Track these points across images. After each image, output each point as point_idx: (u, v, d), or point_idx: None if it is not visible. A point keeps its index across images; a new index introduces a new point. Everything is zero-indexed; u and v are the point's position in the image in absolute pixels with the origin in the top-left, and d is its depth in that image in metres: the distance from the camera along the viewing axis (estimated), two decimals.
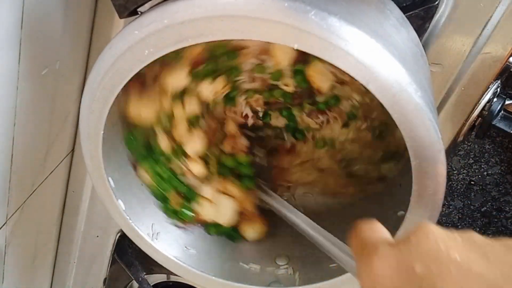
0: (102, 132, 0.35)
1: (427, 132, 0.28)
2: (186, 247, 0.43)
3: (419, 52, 0.36)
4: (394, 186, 0.42)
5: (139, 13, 0.32)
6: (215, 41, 0.28)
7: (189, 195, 0.43)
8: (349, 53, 0.27)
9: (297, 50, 0.27)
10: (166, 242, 0.42)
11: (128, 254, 0.64)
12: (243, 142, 0.44)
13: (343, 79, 0.39)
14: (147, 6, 0.30)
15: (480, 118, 0.46)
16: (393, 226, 0.33)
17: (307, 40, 0.27)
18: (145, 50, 0.29)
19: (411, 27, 0.38)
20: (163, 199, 0.43)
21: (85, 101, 0.34)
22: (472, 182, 0.57)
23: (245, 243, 0.45)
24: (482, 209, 0.59)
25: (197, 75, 0.38)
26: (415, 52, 0.34)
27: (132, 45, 0.29)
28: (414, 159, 0.29)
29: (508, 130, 0.46)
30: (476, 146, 0.55)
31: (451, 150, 0.50)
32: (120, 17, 0.32)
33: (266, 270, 0.42)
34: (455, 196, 0.58)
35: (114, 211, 0.40)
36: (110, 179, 0.38)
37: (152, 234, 0.41)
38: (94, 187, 0.39)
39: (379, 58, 0.27)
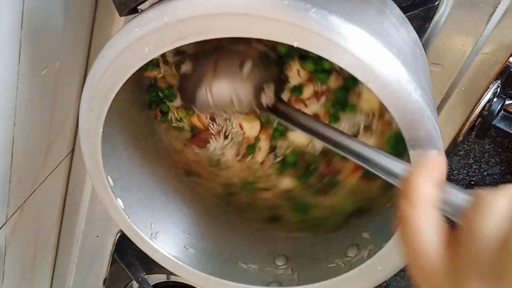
0: (102, 130, 0.35)
1: (426, 130, 0.28)
2: (185, 246, 0.43)
3: (419, 51, 0.36)
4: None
5: (139, 11, 0.32)
6: None
7: None
8: (349, 51, 0.27)
9: None
10: (165, 241, 0.42)
11: (128, 254, 0.64)
12: None
13: None
14: (147, 4, 0.31)
15: (480, 118, 0.46)
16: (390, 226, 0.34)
17: (307, 38, 0.27)
18: (145, 47, 0.29)
19: (411, 27, 0.38)
20: None
21: (85, 99, 0.34)
22: (472, 182, 0.57)
23: (244, 242, 0.45)
24: None
25: None
26: (415, 51, 0.34)
27: (132, 42, 0.29)
28: (414, 158, 0.29)
29: (508, 130, 0.46)
30: (476, 146, 0.55)
31: (451, 150, 0.50)
32: (120, 15, 0.32)
33: (265, 270, 0.42)
34: None
35: (113, 210, 0.40)
36: (109, 177, 0.38)
37: (151, 234, 0.41)
38: (93, 186, 0.39)
39: (379, 56, 0.27)
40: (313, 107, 0.44)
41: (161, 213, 0.44)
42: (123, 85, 0.32)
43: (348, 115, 0.43)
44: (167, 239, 0.42)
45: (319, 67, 0.42)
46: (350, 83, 0.42)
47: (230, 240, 0.45)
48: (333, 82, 0.42)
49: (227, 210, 0.48)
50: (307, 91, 0.43)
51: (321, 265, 0.40)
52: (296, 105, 0.43)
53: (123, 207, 0.39)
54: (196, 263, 0.41)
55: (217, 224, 0.46)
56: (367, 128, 0.42)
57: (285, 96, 0.44)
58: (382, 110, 0.41)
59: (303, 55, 0.42)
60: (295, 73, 0.43)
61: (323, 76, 0.42)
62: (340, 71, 0.42)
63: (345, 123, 0.43)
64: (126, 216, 0.40)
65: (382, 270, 0.35)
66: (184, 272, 0.41)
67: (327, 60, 0.28)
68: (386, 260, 0.34)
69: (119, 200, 0.39)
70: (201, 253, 0.43)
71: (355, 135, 0.43)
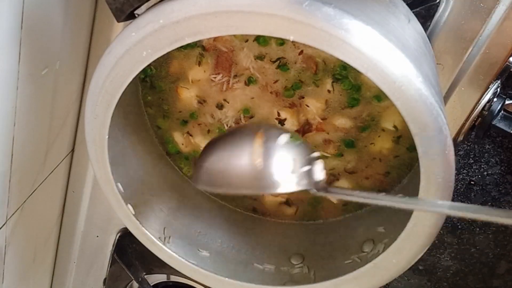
0: (107, 137, 0.35)
1: (431, 117, 0.28)
2: (199, 249, 0.43)
3: (421, 40, 0.36)
4: (399, 182, 0.42)
5: (136, 15, 0.32)
6: None
7: None
8: (345, 42, 0.27)
9: None
10: (178, 245, 0.42)
11: (128, 254, 0.64)
12: None
13: None
14: (143, 8, 0.31)
15: (480, 118, 0.46)
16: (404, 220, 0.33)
17: (302, 31, 0.27)
18: (143, 51, 0.30)
19: (413, 15, 0.37)
20: None
21: (88, 107, 0.34)
22: (472, 182, 0.57)
23: (259, 242, 0.45)
24: None
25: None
26: (416, 38, 0.34)
27: (130, 47, 0.30)
28: (420, 146, 0.29)
29: (508, 130, 0.46)
30: (476, 146, 0.55)
31: None
32: (118, 21, 0.33)
33: (281, 270, 0.42)
34: (455, 196, 0.58)
35: (124, 216, 0.40)
36: (119, 184, 0.38)
37: (164, 238, 0.41)
38: (103, 192, 0.39)
39: (376, 45, 0.27)
40: None
41: (174, 217, 0.43)
42: (127, 91, 0.32)
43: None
44: (180, 243, 0.42)
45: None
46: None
47: (245, 241, 0.45)
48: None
49: (240, 211, 0.48)
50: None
51: (337, 262, 0.40)
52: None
53: (133, 213, 0.39)
54: (211, 266, 0.41)
55: (230, 226, 0.46)
56: None
57: None
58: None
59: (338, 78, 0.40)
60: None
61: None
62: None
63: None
64: (138, 221, 0.40)
65: (397, 263, 0.35)
66: (199, 275, 0.41)
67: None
68: (400, 252, 0.34)
69: (129, 206, 0.39)
70: (216, 255, 0.43)
71: None
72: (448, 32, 0.43)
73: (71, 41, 0.46)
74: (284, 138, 0.33)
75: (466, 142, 0.55)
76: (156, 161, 0.45)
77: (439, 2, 0.42)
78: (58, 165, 0.55)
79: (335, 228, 0.45)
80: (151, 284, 0.67)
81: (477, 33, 0.42)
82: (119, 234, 0.63)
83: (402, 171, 0.42)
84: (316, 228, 0.46)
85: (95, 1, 0.47)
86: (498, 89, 0.45)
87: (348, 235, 0.43)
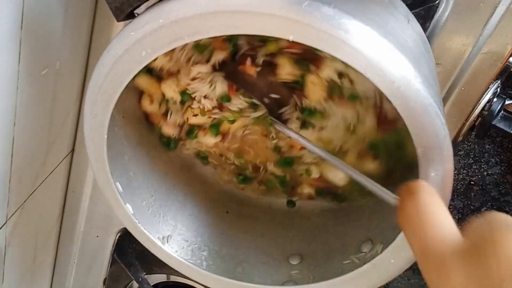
0: (106, 136, 0.35)
1: (429, 117, 0.28)
2: (198, 249, 0.43)
3: (420, 40, 0.36)
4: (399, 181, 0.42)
5: (136, 15, 0.32)
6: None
7: None
8: (344, 42, 0.27)
9: None
10: (178, 245, 0.42)
11: (128, 254, 0.64)
12: None
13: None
14: (143, 7, 0.31)
15: (480, 118, 0.46)
16: None
17: (302, 31, 0.27)
18: (142, 51, 0.30)
19: (412, 16, 0.38)
20: None
21: (87, 106, 0.34)
22: (472, 182, 0.57)
23: (258, 243, 0.45)
24: (482, 209, 0.59)
25: None
26: (415, 38, 0.34)
27: (129, 47, 0.30)
28: (418, 146, 0.29)
29: (508, 130, 0.46)
30: (476, 146, 0.55)
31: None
32: (117, 20, 0.33)
33: (279, 270, 0.42)
34: (455, 196, 0.58)
35: (122, 215, 0.39)
36: (117, 184, 0.38)
37: (163, 238, 0.41)
38: (102, 191, 0.39)
39: (375, 45, 0.27)
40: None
41: (173, 217, 0.43)
42: (126, 91, 0.32)
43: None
44: (179, 242, 0.42)
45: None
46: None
47: (244, 241, 0.45)
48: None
49: (240, 211, 0.48)
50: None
51: (336, 262, 0.40)
52: None
53: (132, 213, 0.39)
54: (210, 266, 0.41)
55: (229, 226, 0.46)
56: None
57: None
58: None
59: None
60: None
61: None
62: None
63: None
64: (136, 221, 0.40)
65: (395, 263, 0.35)
66: (198, 275, 0.41)
67: None
68: (398, 252, 0.34)
69: (128, 205, 0.39)
70: (215, 255, 0.43)
71: None
72: (448, 32, 0.43)
73: (71, 41, 0.46)
74: None
75: (466, 142, 0.55)
76: (156, 160, 0.45)
77: (438, 3, 0.42)
78: (58, 165, 0.55)
79: (333, 228, 0.45)
80: (151, 284, 0.67)
81: (477, 33, 0.42)
82: (119, 234, 0.63)
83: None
84: (314, 228, 0.46)
85: (95, 1, 0.47)
86: (498, 89, 0.45)
87: (346, 235, 0.43)
